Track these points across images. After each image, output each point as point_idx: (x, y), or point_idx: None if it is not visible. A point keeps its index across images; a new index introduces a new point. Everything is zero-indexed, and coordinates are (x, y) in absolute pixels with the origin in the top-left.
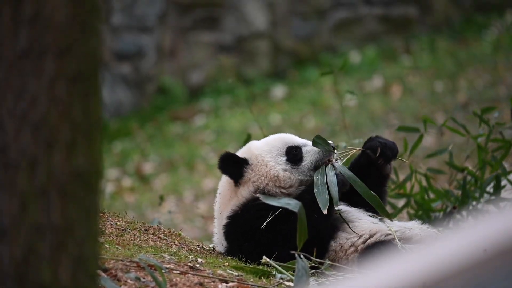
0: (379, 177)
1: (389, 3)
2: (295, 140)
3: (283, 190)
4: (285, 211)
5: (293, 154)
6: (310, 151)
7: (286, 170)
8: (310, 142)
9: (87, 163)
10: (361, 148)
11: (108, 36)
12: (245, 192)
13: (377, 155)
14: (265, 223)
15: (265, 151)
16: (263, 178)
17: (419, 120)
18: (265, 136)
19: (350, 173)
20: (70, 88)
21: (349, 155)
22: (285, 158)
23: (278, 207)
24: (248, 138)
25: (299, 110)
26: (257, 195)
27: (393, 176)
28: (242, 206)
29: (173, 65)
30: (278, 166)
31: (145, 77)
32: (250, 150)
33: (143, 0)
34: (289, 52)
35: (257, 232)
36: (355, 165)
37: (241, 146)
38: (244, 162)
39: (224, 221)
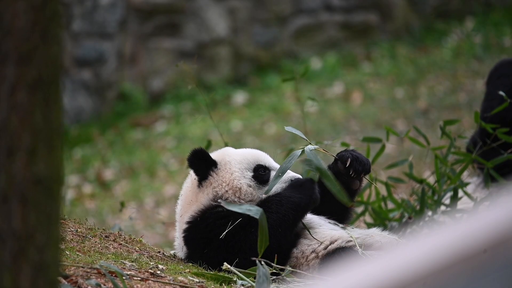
0: (349, 192)
1: (350, 10)
2: (268, 161)
3: (241, 201)
4: (245, 218)
5: (260, 174)
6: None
7: (250, 186)
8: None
9: (48, 169)
10: (333, 154)
11: (68, 43)
12: (204, 198)
13: (346, 166)
14: (225, 232)
15: (235, 161)
16: (224, 185)
17: (379, 127)
18: (225, 143)
19: (323, 167)
20: (30, 94)
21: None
22: (251, 174)
23: (238, 215)
24: (208, 145)
25: (260, 116)
26: (219, 201)
27: None
28: (202, 212)
29: (134, 71)
30: (243, 180)
31: (105, 84)
32: (223, 155)
33: (104, 6)
34: (250, 59)
35: (217, 240)
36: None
37: None
38: (213, 164)
39: (184, 225)
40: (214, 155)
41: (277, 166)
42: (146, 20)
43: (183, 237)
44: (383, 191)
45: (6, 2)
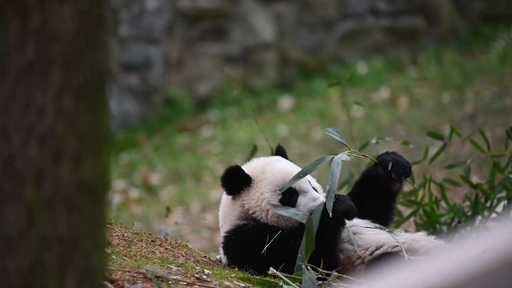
0: (387, 193)
1: (396, 15)
2: (300, 182)
3: (269, 222)
4: (282, 232)
5: (287, 198)
6: (305, 203)
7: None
8: (315, 189)
9: (93, 174)
10: (373, 159)
11: (115, 47)
12: (237, 212)
13: (388, 170)
14: (265, 247)
15: (267, 180)
16: (253, 203)
17: (425, 132)
18: (271, 148)
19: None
20: (76, 99)
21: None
22: (279, 197)
23: (272, 229)
24: (254, 150)
25: (306, 121)
26: (267, 204)
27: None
28: (236, 227)
29: (180, 76)
30: (272, 202)
31: (152, 88)
32: (260, 170)
33: (151, 11)
34: (296, 63)
35: (255, 255)
36: (365, 176)
37: (248, 158)
38: (246, 181)
39: (222, 237)
40: (253, 167)
41: (307, 187)
42: (193, 25)
43: (222, 247)
44: (434, 192)
45: (52, 6)
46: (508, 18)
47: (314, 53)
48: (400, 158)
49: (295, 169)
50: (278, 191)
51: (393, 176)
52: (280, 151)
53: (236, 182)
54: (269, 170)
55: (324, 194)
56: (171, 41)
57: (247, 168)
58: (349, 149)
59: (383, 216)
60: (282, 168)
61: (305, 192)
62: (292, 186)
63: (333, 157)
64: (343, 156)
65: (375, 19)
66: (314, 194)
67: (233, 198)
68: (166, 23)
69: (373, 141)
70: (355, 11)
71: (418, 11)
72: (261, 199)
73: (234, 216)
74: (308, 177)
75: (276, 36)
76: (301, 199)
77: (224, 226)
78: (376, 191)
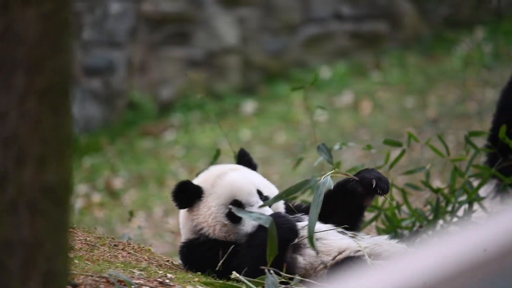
0: (359, 206)
1: (360, 19)
2: (247, 196)
3: (217, 237)
4: (236, 246)
5: (232, 212)
6: (249, 221)
7: (224, 225)
8: (267, 198)
9: (57, 178)
10: (356, 178)
11: (78, 51)
12: (190, 225)
13: (373, 187)
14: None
15: (216, 194)
16: (202, 218)
17: (389, 136)
18: (234, 152)
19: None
20: (40, 103)
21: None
22: (226, 211)
23: (224, 243)
24: (217, 154)
25: (269, 125)
26: (229, 207)
27: None
28: (190, 242)
29: (143, 80)
30: (218, 217)
31: (115, 93)
32: (211, 182)
33: (114, 15)
34: (260, 68)
35: (211, 269)
36: (340, 188)
37: (211, 162)
38: (196, 194)
39: (179, 247)
40: (206, 179)
41: (254, 199)
42: (156, 29)
43: (180, 257)
44: (397, 197)
45: (16, 10)
46: (471, 23)
47: (278, 57)
48: (379, 174)
49: (246, 180)
50: (225, 205)
51: (378, 192)
52: (242, 156)
53: (186, 196)
54: (218, 183)
55: (281, 204)
56: (135, 45)
57: (201, 179)
58: (334, 169)
59: (350, 222)
60: (232, 181)
61: (251, 206)
62: (238, 199)
63: (318, 179)
64: (328, 181)
65: (339, 23)
66: (259, 209)
67: (187, 211)
68: (129, 27)
69: (336, 147)
70: (318, 16)
71: (381, 15)
72: (208, 214)
73: (187, 229)
74: (261, 183)
75: (240, 40)
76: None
77: (182, 236)
78: (349, 204)
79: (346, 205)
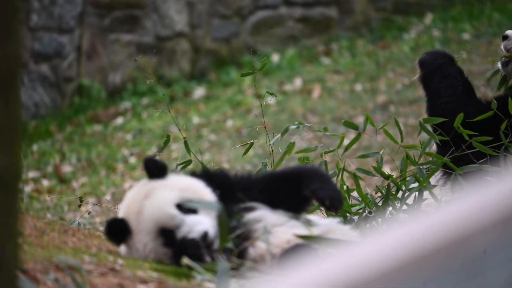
0: (304, 199)
1: (309, 5)
2: (168, 221)
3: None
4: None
5: (167, 238)
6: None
7: (166, 253)
8: (188, 215)
9: (6, 165)
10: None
11: (27, 37)
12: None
13: (326, 206)
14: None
15: (144, 230)
16: (142, 252)
17: (338, 121)
18: (184, 138)
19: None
20: None
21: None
22: (161, 241)
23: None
24: (167, 140)
25: (219, 111)
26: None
27: None
28: None
29: (92, 66)
30: (157, 249)
31: (64, 78)
32: (135, 218)
33: (62, 0)
34: (210, 53)
35: None
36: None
37: (162, 148)
38: (126, 230)
39: None
40: (130, 207)
41: (180, 219)
42: (105, 14)
43: None
44: (348, 182)
45: None
46: (420, 9)
47: (227, 42)
48: (334, 190)
49: (161, 206)
50: (157, 237)
51: (330, 210)
52: (149, 168)
53: (118, 233)
54: (141, 219)
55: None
56: (83, 30)
57: (125, 212)
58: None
59: (298, 206)
60: (150, 214)
61: (178, 226)
62: (165, 228)
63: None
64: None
65: (288, 8)
66: (186, 228)
67: (125, 245)
68: (77, 12)
69: (293, 126)
70: (268, 1)
71: (331, 1)
72: (147, 250)
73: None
74: (177, 194)
75: (189, 26)
76: (179, 232)
77: None
78: (298, 193)
79: (294, 194)
